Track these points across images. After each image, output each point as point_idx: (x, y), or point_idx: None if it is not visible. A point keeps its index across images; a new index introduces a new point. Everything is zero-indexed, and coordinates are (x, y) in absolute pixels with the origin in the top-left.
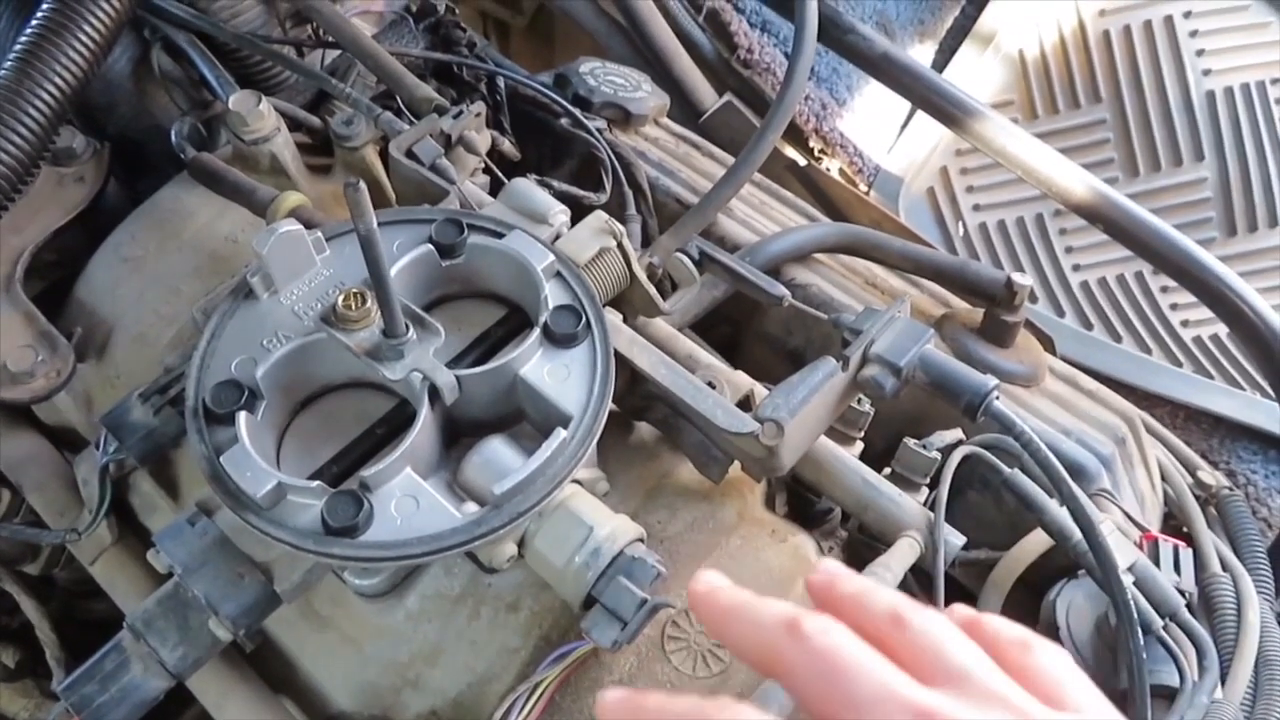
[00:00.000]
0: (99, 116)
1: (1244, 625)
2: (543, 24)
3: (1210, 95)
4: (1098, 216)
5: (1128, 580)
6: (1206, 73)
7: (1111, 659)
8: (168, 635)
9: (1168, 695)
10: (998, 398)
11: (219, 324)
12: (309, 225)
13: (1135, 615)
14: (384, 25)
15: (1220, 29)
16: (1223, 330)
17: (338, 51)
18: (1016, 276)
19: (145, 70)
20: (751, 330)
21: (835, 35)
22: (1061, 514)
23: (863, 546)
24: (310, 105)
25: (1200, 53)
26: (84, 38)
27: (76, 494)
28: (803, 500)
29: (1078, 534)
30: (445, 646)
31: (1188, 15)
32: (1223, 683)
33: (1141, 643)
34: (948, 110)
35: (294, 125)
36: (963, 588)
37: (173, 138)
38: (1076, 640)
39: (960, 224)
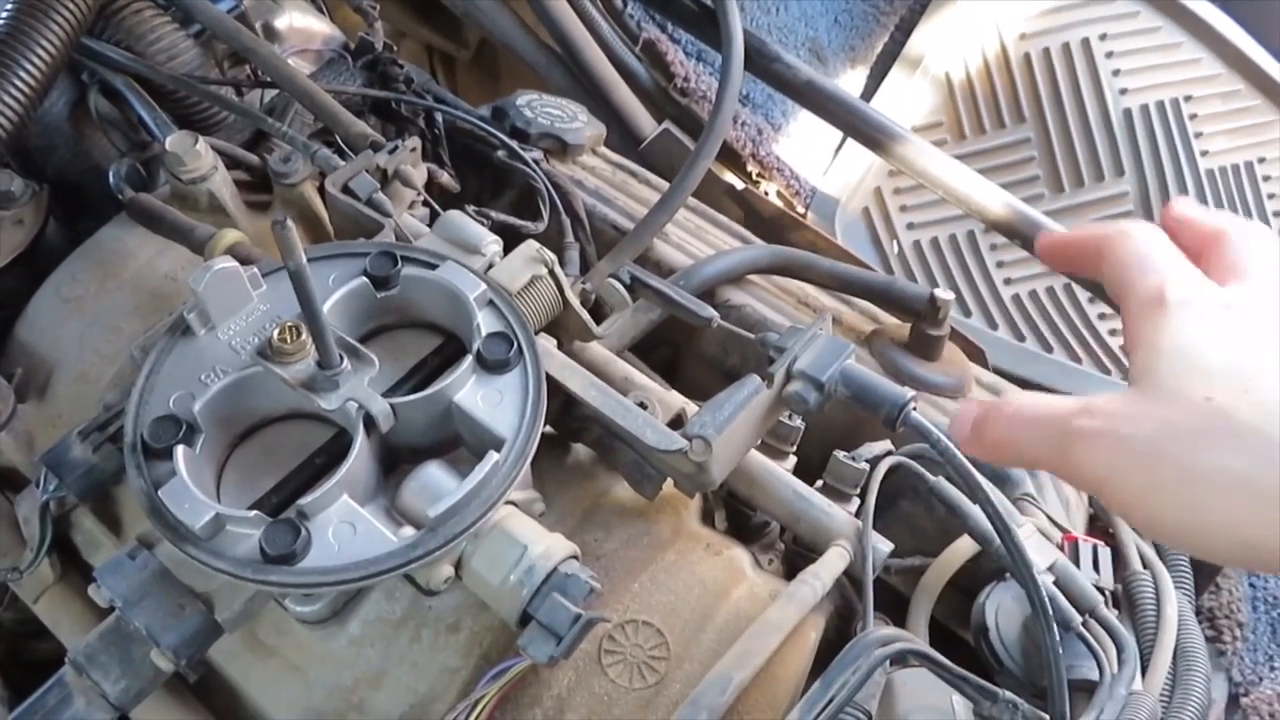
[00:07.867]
0: (37, 159)
1: (1163, 620)
2: (487, 56)
3: (1127, 113)
4: (1015, 232)
5: (1047, 579)
6: (1123, 92)
7: (1039, 656)
8: (110, 668)
9: (1088, 689)
10: (915, 409)
11: (157, 360)
12: (247, 261)
13: (1050, 611)
14: (322, 64)
15: (1134, 49)
16: None
17: (276, 90)
18: (939, 292)
19: (83, 113)
20: (690, 351)
21: (761, 64)
22: (984, 519)
23: (797, 557)
24: (249, 143)
25: (1116, 73)
26: (20, 82)
27: (18, 534)
28: (740, 515)
29: (998, 538)
30: (388, 669)
31: (1103, 38)
32: (1143, 675)
33: (1058, 638)
34: (871, 135)
35: (233, 163)
36: (898, 593)
37: (111, 179)
38: (1005, 640)
39: (895, 242)
